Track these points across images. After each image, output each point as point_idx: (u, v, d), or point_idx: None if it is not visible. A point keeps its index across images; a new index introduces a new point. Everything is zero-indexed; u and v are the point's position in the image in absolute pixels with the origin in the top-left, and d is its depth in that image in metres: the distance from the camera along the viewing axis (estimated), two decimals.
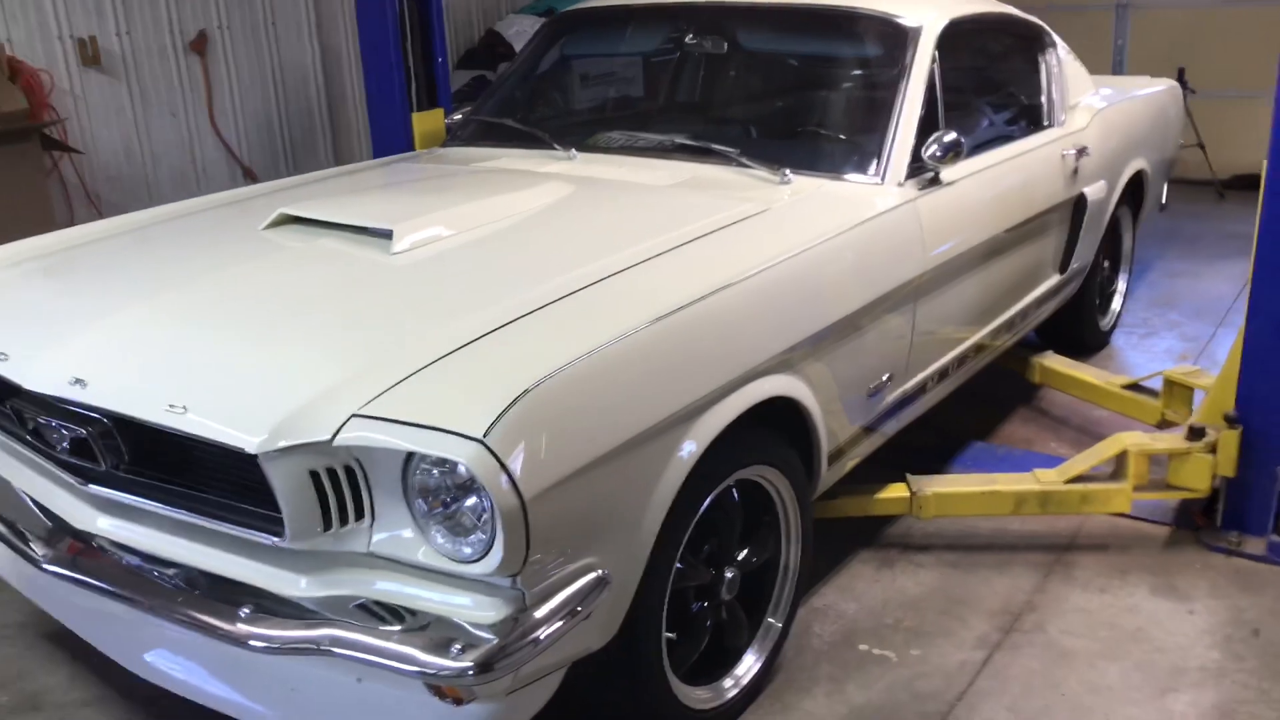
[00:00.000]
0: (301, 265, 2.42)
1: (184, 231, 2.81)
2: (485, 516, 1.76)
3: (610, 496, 1.95)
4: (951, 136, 2.93)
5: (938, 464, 3.68)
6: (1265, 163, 2.89)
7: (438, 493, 1.81)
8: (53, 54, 4.87)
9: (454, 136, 3.76)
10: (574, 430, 1.86)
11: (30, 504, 2.33)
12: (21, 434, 2.27)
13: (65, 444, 2.09)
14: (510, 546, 1.74)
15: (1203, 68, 7.59)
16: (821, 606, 2.92)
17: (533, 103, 3.81)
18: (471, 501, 1.79)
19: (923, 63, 3.11)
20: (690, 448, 2.11)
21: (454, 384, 1.85)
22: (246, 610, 1.88)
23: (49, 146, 4.50)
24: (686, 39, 3.59)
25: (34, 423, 2.16)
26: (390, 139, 4.75)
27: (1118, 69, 8.31)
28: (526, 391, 1.79)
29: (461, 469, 1.72)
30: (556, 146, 3.27)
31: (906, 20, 3.19)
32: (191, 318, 2.18)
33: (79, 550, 2.18)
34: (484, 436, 1.70)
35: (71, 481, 2.15)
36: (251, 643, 1.87)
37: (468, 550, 1.80)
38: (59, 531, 2.24)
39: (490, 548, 1.76)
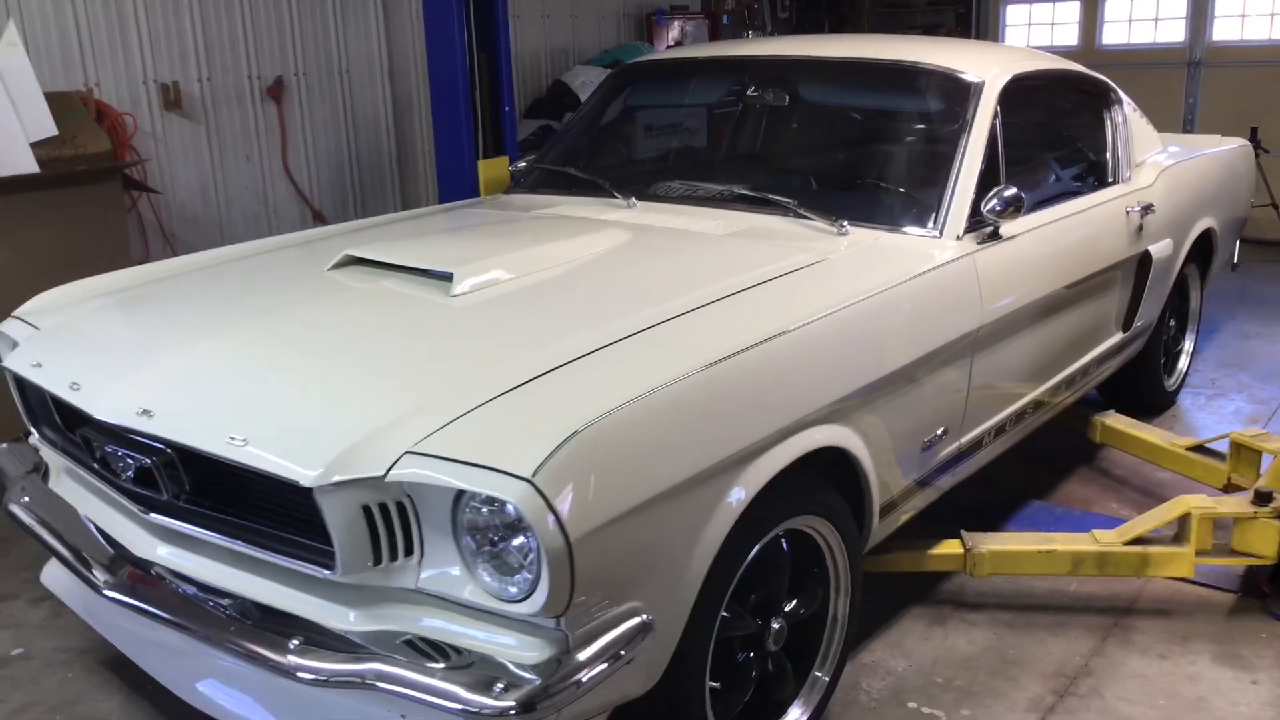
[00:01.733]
0: (363, 305, 2.48)
1: (252, 270, 2.89)
2: (531, 556, 1.78)
3: (657, 541, 1.96)
4: (1012, 191, 2.92)
5: (994, 521, 3.63)
6: None
7: (486, 531, 1.83)
8: (137, 97, 5.07)
9: (518, 183, 3.83)
10: (623, 473, 1.87)
11: (95, 531, 2.40)
12: (89, 462, 2.34)
13: (130, 473, 2.15)
14: (555, 587, 1.75)
15: (1276, 127, 7.48)
16: (870, 662, 2.88)
17: (595, 152, 3.87)
18: (519, 541, 1.80)
19: (984, 118, 3.11)
20: (739, 495, 2.11)
21: (506, 424, 1.88)
22: (296, 642, 1.91)
23: (129, 186, 4.67)
24: (748, 91, 3.63)
25: (101, 451, 2.23)
26: (456, 184, 4.88)
27: (1189, 127, 8.22)
28: (576, 433, 1.81)
29: (510, 508, 1.74)
30: (617, 195, 3.31)
31: (969, 76, 3.20)
32: (255, 353, 2.24)
33: (138, 578, 2.24)
34: (533, 476, 1.72)
35: (134, 510, 2.21)
36: (300, 674, 1.90)
37: (513, 590, 1.82)
38: (120, 559, 2.30)
39: (535, 587, 1.78)
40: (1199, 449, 3.74)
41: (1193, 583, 3.21)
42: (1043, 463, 4.12)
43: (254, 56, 5.55)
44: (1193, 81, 8.22)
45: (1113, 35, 8.61)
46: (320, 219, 5.86)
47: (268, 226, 5.62)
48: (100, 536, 2.37)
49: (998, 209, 2.91)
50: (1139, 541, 3.07)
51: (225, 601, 2.12)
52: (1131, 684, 2.78)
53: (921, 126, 3.30)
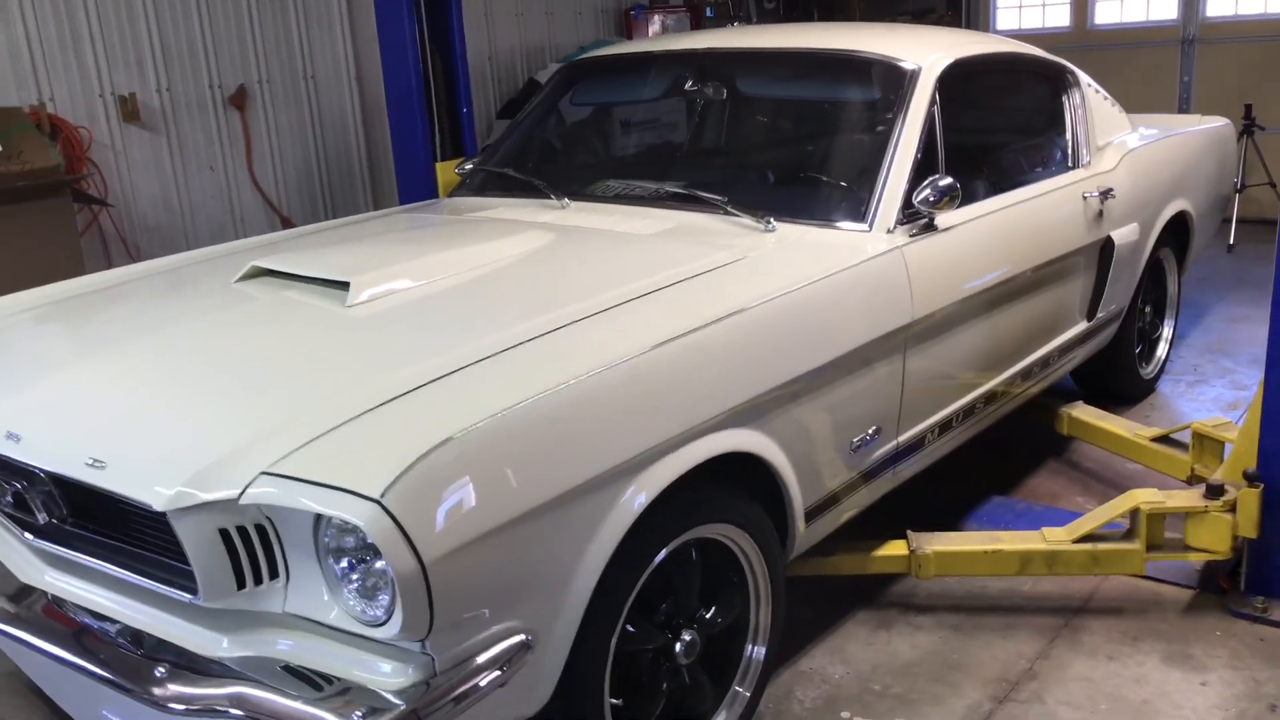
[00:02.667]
0: (259, 319, 2.42)
1: (163, 285, 2.84)
2: (388, 579, 1.71)
3: (537, 554, 1.89)
4: (946, 181, 2.82)
5: (951, 520, 3.53)
6: None
7: (347, 554, 1.77)
8: (94, 110, 5.05)
9: (463, 185, 3.77)
10: (495, 486, 1.80)
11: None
12: None
13: (8, 497, 2.11)
14: (410, 611, 1.69)
15: (1274, 103, 7.31)
16: (808, 669, 2.80)
17: (538, 152, 3.80)
18: (380, 564, 1.74)
19: (919, 106, 3.01)
20: (635, 502, 2.04)
21: (367, 440, 1.81)
22: (162, 670, 1.86)
23: (80, 200, 4.64)
24: (687, 86, 3.55)
25: None
26: (415, 187, 4.81)
27: (1184, 106, 8.06)
28: (441, 445, 1.74)
29: (361, 531, 1.68)
30: (551, 196, 3.25)
31: (905, 63, 3.10)
32: (132, 372, 2.19)
33: (41, 607, 2.19)
34: (381, 496, 1.65)
35: (16, 534, 2.16)
36: (169, 705, 1.85)
37: (375, 613, 1.76)
38: (30, 587, 2.25)
39: (393, 611, 1.71)
40: (1163, 439, 3.63)
41: (1149, 579, 3.11)
42: (1009, 456, 4.03)
43: (215, 65, 5.51)
44: (1187, 59, 8.05)
45: (1105, 14, 8.44)
46: (289, 225, 5.82)
47: (234, 234, 5.59)
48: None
49: (931, 199, 2.81)
50: (1089, 539, 2.97)
51: (115, 629, 2.07)
52: (1075, 687, 2.68)
53: (856, 117, 3.21)
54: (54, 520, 2.09)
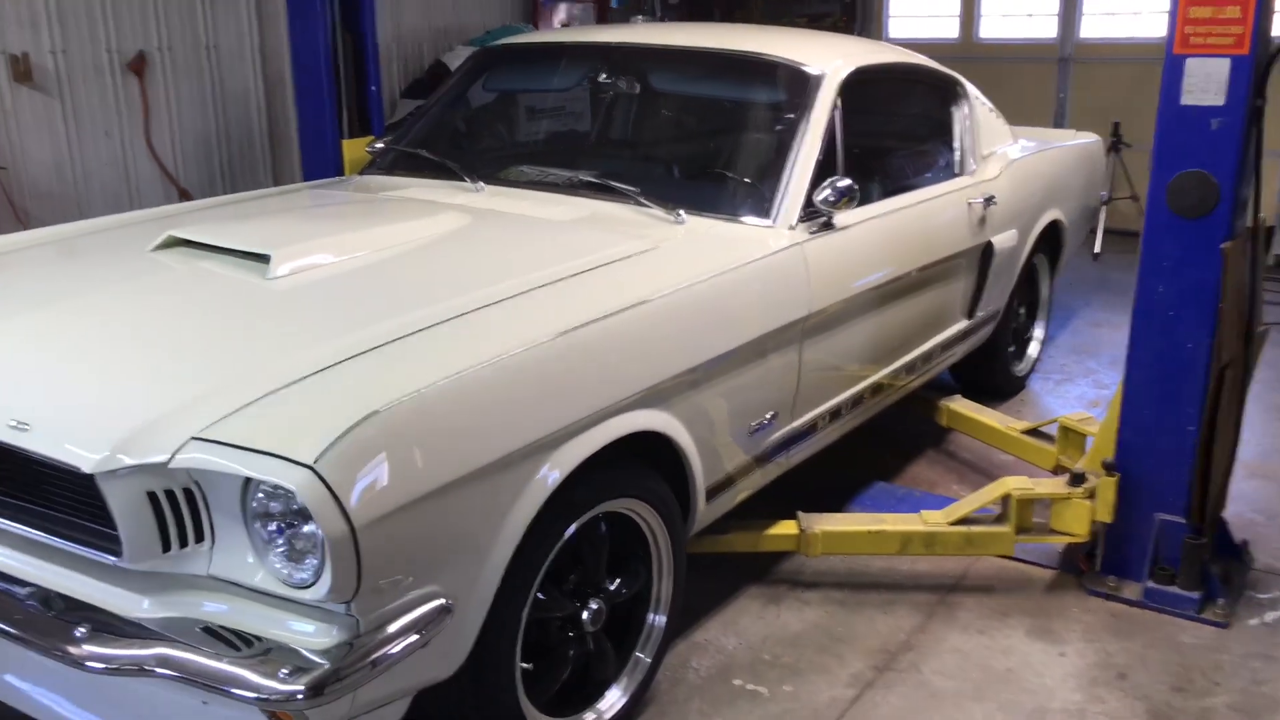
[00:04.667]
0: (178, 288, 2.44)
1: (77, 250, 2.82)
2: (317, 542, 1.78)
3: (457, 524, 1.98)
4: (845, 183, 2.99)
5: (838, 502, 3.73)
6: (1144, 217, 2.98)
7: (275, 518, 1.83)
8: None
9: (373, 165, 3.79)
10: (419, 457, 1.88)
11: None
12: None
13: None
14: (339, 573, 1.76)
15: (1140, 122, 7.77)
16: (702, 641, 2.95)
17: (450, 134, 3.85)
18: (308, 528, 1.80)
19: (823, 110, 3.18)
20: (549, 478, 2.14)
21: (296, 409, 1.87)
22: (83, 630, 1.88)
23: None
24: (601, 78, 3.65)
25: None
26: (320, 164, 4.80)
27: (1059, 121, 8.49)
28: (368, 417, 1.81)
29: (292, 495, 1.74)
30: (465, 178, 3.31)
31: (810, 68, 3.26)
32: (52, 337, 2.19)
33: None
34: (314, 463, 1.72)
35: None
36: (88, 664, 1.87)
37: (302, 575, 1.82)
38: None
39: (321, 574, 1.78)
40: (1033, 432, 3.90)
41: (1017, 560, 3.35)
42: (891, 445, 4.25)
43: (113, 29, 5.37)
44: (1063, 77, 8.49)
45: (990, 29, 8.84)
46: (186, 197, 5.71)
47: (130, 204, 5.45)
48: None
49: (831, 199, 2.97)
50: (964, 522, 3.19)
51: (25, 591, 2.08)
52: (949, 658, 2.89)
53: (763, 117, 3.36)
54: None
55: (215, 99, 5.91)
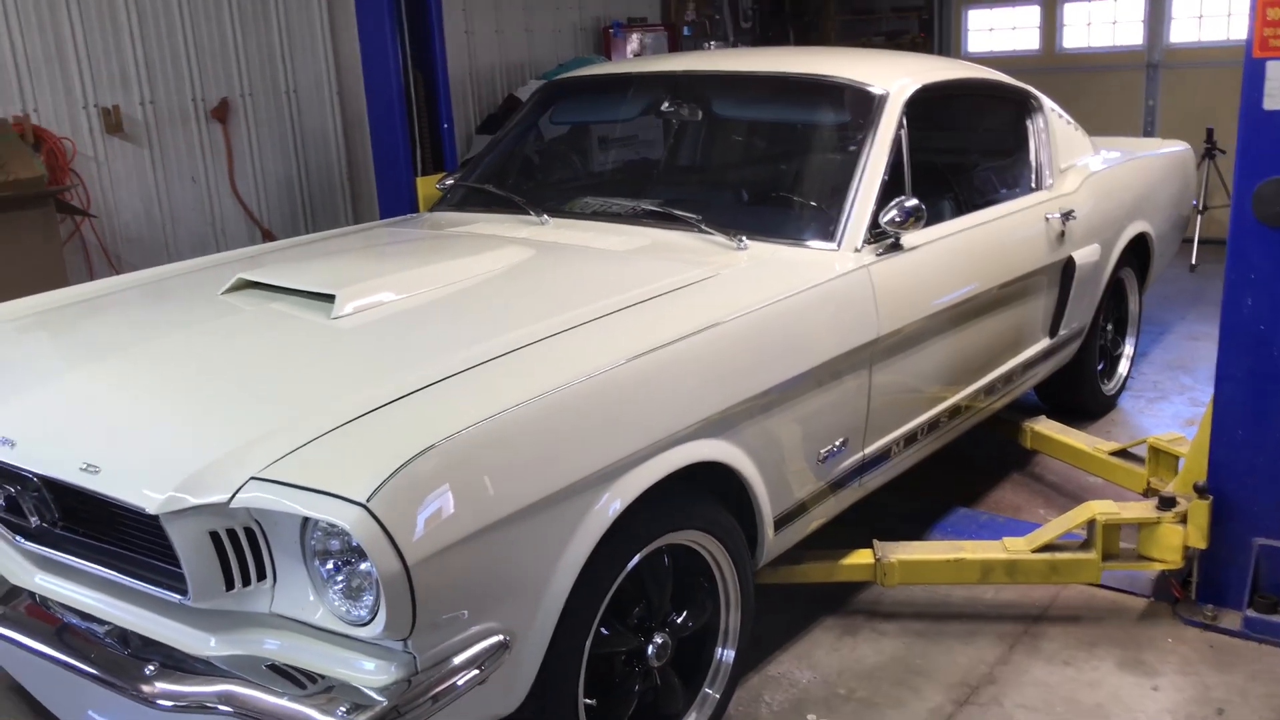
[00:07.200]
0: (246, 329, 2.49)
1: (150, 296, 2.91)
2: (372, 580, 1.79)
3: (514, 558, 1.97)
4: (913, 202, 2.93)
5: (917, 530, 3.64)
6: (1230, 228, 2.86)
7: (333, 556, 1.84)
8: (78, 122, 5.10)
9: (443, 201, 3.85)
10: (476, 491, 1.88)
11: None
12: None
13: (1, 500, 2.17)
14: (394, 610, 1.77)
15: (1234, 128, 7.48)
16: (776, 674, 2.89)
17: (518, 168, 3.89)
18: (364, 566, 1.81)
19: (887, 130, 3.12)
20: (610, 508, 2.12)
21: (353, 447, 1.89)
22: (152, 668, 1.93)
23: (63, 210, 4.69)
24: (664, 106, 3.65)
25: None
26: (395, 202, 4.91)
27: (1149, 129, 8.25)
28: (422, 453, 1.82)
29: (348, 534, 1.75)
30: (530, 212, 3.33)
31: (874, 88, 3.21)
32: (124, 381, 2.25)
33: (24, 607, 2.25)
34: (367, 501, 1.73)
35: (6, 537, 2.22)
36: (159, 701, 1.91)
37: (360, 613, 1.83)
38: (16, 589, 2.31)
39: (377, 611, 1.79)
40: (1122, 454, 3.75)
41: (1106, 588, 3.22)
42: (974, 469, 4.14)
43: (198, 78, 5.57)
44: (1152, 84, 8.25)
45: (1073, 39, 8.64)
46: (269, 238, 5.87)
47: (215, 246, 5.64)
48: None
49: (897, 220, 2.92)
50: (1048, 549, 3.08)
51: (104, 630, 2.13)
52: (1032, 691, 2.78)
53: (827, 139, 3.32)
54: (45, 524, 2.15)
55: (295, 141, 6.09)
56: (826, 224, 2.98)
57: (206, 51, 5.60)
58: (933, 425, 3.29)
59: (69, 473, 1.98)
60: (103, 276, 5.07)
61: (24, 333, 2.68)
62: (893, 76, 3.29)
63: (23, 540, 2.21)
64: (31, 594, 2.26)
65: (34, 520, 2.13)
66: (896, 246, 3.01)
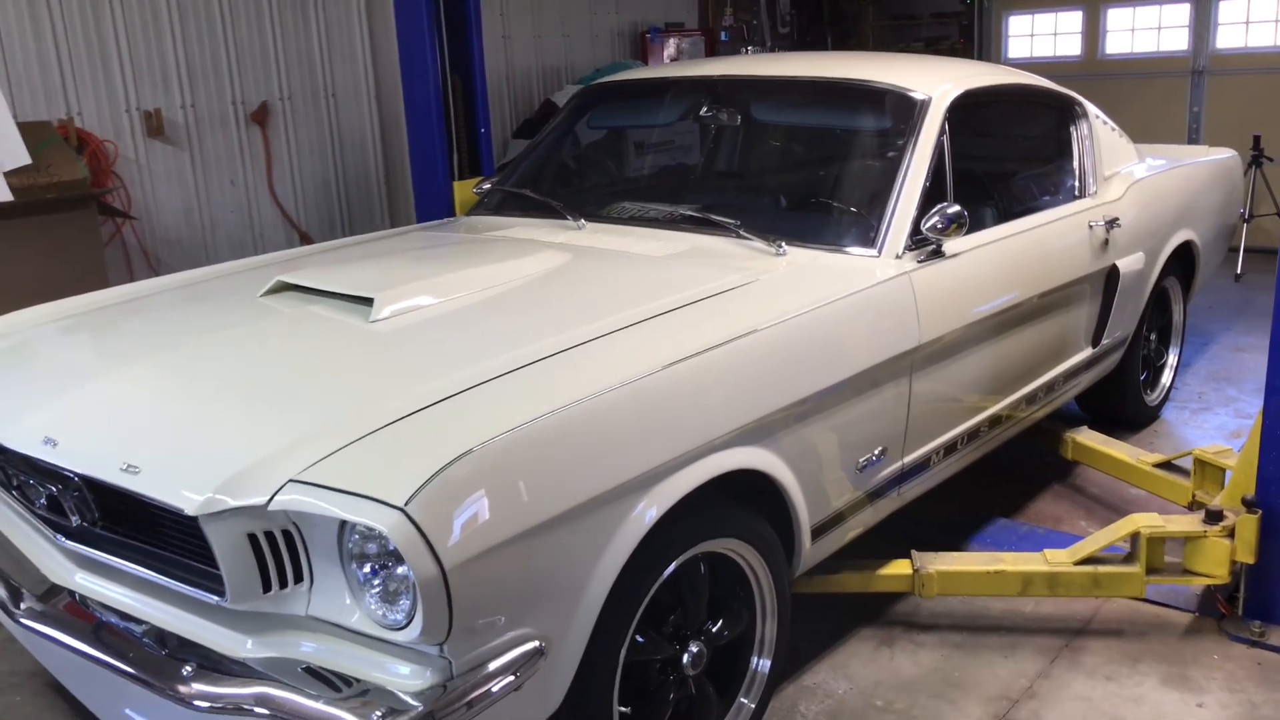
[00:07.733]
0: (284, 332, 2.50)
1: (189, 297, 2.92)
2: (409, 584, 1.78)
3: (551, 563, 1.95)
4: (955, 209, 2.89)
5: (956, 540, 3.59)
6: None
7: (370, 559, 1.84)
8: (120, 125, 5.16)
9: (480, 205, 3.86)
10: (513, 496, 1.87)
11: (28, 559, 2.43)
12: (10, 489, 2.37)
13: (42, 500, 2.18)
14: (431, 615, 1.76)
15: None
16: (812, 685, 2.86)
17: (554, 173, 3.89)
18: (401, 570, 1.81)
19: (929, 136, 3.09)
20: (646, 515, 2.11)
21: (392, 451, 1.88)
22: (189, 669, 1.93)
23: (105, 212, 4.74)
24: (703, 111, 3.63)
25: (18, 479, 2.26)
26: (432, 205, 4.90)
27: (1194, 136, 8.12)
28: (460, 457, 1.81)
29: (385, 538, 1.75)
30: (568, 216, 3.32)
31: (915, 93, 3.18)
32: (164, 382, 2.26)
33: (63, 606, 2.26)
34: (405, 504, 1.72)
35: (49, 536, 2.23)
36: (195, 702, 1.91)
37: (396, 617, 1.83)
38: (57, 587, 2.32)
39: (413, 615, 1.78)
40: (1166, 465, 3.69)
41: (1149, 602, 3.16)
42: (1015, 479, 4.08)
43: (238, 81, 5.62)
44: (1197, 90, 8.12)
45: (1116, 45, 8.53)
46: (307, 241, 5.91)
47: (253, 249, 5.69)
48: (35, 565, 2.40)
49: (939, 226, 2.88)
50: (1090, 561, 3.02)
51: (141, 629, 2.14)
52: (1073, 706, 2.73)
53: (867, 145, 3.28)
54: (85, 523, 2.16)
55: (334, 144, 6.13)
56: (867, 230, 2.94)
57: (246, 55, 5.65)
58: (973, 435, 3.25)
59: (109, 473, 1.99)
60: (142, 278, 5.14)
61: (66, 334, 2.70)
62: (935, 82, 3.25)
63: (64, 539, 2.22)
64: (71, 593, 2.27)
65: (74, 519, 2.15)
66: (938, 253, 2.97)
